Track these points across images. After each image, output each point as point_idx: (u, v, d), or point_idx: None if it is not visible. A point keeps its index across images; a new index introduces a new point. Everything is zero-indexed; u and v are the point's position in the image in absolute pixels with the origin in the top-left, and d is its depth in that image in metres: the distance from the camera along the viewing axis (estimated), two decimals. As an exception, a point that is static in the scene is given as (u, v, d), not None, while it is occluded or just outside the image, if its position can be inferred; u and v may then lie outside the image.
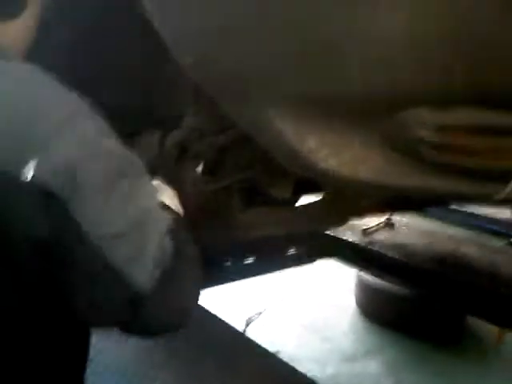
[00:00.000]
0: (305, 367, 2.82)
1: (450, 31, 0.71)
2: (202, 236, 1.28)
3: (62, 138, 0.71)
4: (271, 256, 2.49)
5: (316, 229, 2.03)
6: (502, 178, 0.86)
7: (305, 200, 1.62)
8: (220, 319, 1.75)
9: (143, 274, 0.75)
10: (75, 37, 1.30)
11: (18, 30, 0.86)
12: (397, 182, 0.91)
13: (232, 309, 3.41)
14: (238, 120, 0.96)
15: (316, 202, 1.42)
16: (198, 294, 0.90)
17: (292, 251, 2.53)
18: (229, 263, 2.49)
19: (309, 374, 2.66)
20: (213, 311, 3.12)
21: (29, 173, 0.68)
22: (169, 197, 1.00)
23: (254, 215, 1.43)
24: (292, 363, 2.83)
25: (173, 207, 0.97)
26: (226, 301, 3.46)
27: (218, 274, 2.47)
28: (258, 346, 1.63)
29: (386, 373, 2.83)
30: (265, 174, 1.49)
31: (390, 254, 2.36)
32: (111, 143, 0.77)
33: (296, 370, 1.53)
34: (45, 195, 0.69)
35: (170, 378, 1.43)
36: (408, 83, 0.81)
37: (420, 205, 1.61)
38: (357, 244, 2.48)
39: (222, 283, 2.56)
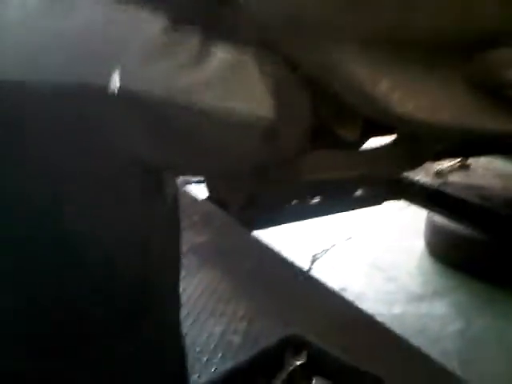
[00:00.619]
0: (371, 306, 2.83)
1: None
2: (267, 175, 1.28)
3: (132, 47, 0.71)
4: (338, 197, 2.47)
5: (386, 174, 1.97)
6: None
7: (374, 142, 1.57)
8: (282, 257, 1.76)
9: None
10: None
11: None
12: (480, 126, 0.85)
13: (299, 246, 3.45)
14: (302, 62, 0.92)
15: (387, 145, 1.36)
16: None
17: (359, 193, 2.49)
18: (295, 202, 2.49)
19: (375, 313, 2.68)
20: (279, 248, 3.19)
21: (115, 83, 0.68)
22: None
23: (320, 157, 1.40)
24: (358, 302, 2.86)
25: None
26: (292, 238, 3.51)
27: (283, 213, 2.49)
28: (321, 284, 1.64)
29: (454, 315, 2.79)
30: (332, 113, 1.44)
31: (463, 195, 2.27)
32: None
33: (361, 310, 1.53)
34: (137, 98, 0.70)
35: (237, 311, 1.48)
36: (498, 17, 0.73)
37: (499, 150, 1.51)
38: (429, 185, 2.40)
39: (288, 222, 2.58)
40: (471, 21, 0.75)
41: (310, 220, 3.12)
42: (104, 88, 0.68)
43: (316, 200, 2.51)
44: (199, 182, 2.40)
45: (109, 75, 0.68)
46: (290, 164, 1.41)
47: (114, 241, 0.79)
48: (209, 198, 2.36)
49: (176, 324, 0.96)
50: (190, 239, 1.90)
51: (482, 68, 0.79)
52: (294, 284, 1.61)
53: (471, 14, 0.75)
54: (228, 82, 0.78)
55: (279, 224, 2.62)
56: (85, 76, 0.69)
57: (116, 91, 0.68)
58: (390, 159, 1.40)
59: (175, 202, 0.92)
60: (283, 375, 1.14)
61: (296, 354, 1.18)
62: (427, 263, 3.32)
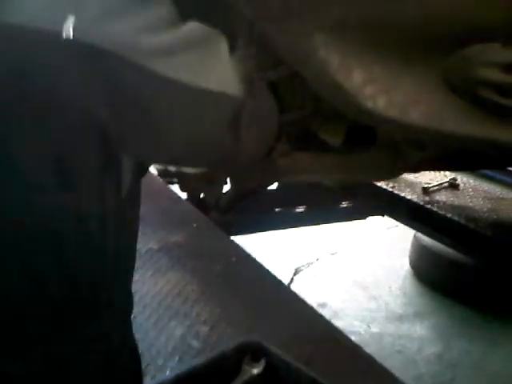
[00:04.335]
0: (349, 323, 2.77)
1: None
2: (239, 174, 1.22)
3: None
4: (322, 207, 2.41)
5: (365, 180, 1.92)
6: None
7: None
8: (258, 263, 1.71)
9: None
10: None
11: None
12: (452, 130, 0.80)
13: (282, 257, 3.39)
14: (276, 44, 0.87)
15: (367, 151, 1.32)
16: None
17: (345, 204, 2.44)
18: (279, 210, 2.44)
19: (352, 331, 2.62)
20: (262, 258, 3.13)
21: (69, 30, 0.61)
22: None
23: (298, 159, 1.35)
24: (336, 318, 2.80)
25: None
26: (277, 249, 3.45)
27: (268, 220, 2.44)
28: (293, 295, 1.58)
29: (434, 337, 2.73)
30: (316, 116, 1.40)
31: (449, 215, 2.22)
32: None
33: (331, 324, 1.47)
34: (93, 54, 0.63)
35: (201, 314, 1.42)
36: (476, 14, 0.69)
37: (481, 163, 1.46)
38: (415, 202, 2.35)
39: (271, 229, 2.52)
40: (456, 12, 0.70)
41: (295, 232, 3.07)
42: (56, 35, 0.61)
43: (300, 209, 2.46)
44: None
45: (62, 22, 0.62)
46: (266, 164, 1.37)
47: (54, 222, 0.70)
48: (189, 199, 2.31)
49: (126, 325, 0.89)
50: (163, 238, 1.85)
51: (457, 65, 0.74)
52: (265, 292, 1.54)
53: (457, 4, 0.70)
54: (197, 54, 0.71)
55: (261, 231, 2.57)
56: (38, 21, 0.62)
57: (68, 39, 0.61)
58: (370, 165, 1.35)
59: (134, 194, 0.84)
60: (238, 383, 1.08)
61: (254, 361, 1.12)
62: (411, 284, 3.26)
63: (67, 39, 0.61)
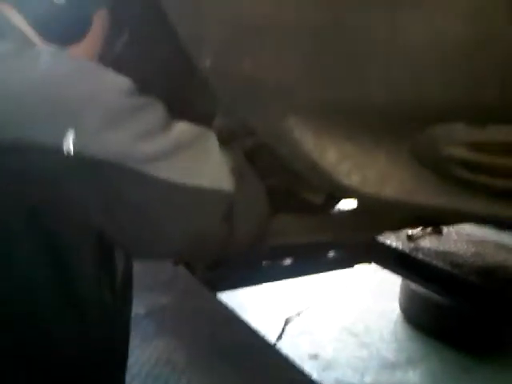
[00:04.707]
0: (342, 374, 2.75)
1: (483, 41, 0.63)
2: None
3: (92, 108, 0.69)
4: (309, 258, 2.42)
5: (349, 239, 1.95)
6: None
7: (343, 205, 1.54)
8: (246, 323, 1.70)
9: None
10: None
11: (82, 51, 0.89)
12: (426, 202, 0.82)
13: (271, 308, 3.37)
14: (255, 128, 0.90)
15: (349, 211, 1.34)
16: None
17: (331, 254, 2.45)
18: (266, 263, 2.44)
19: (346, 382, 2.59)
20: (251, 309, 3.10)
21: (69, 145, 0.66)
22: None
23: (284, 221, 1.37)
24: (329, 369, 2.77)
25: None
26: (265, 299, 3.43)
27: (255, 274, 2.44)
28: (282, 356, 1.57)
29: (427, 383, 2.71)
30: (297, 177, 1.42)
31: (434, 261, 2.24)
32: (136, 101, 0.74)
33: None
34: (92, 165, 0.67)
35: (191, 382, 1.40)
36: (437, 97, 0.72)
37: (454, 221, 1.50)
38: (400, 249, 2.38)
39: (259, 283, 2.52)
40: (419, 96, 0.73)
41: (283, 281, 3.07)
42: (57, 149, 0.65)
43: (287, 261, 2.47)
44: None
45: (62, 137, 0.65)
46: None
47: (53, 310, 0.74)
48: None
49: None
50: (151, 301, 1.85)
51: (424, 144, 0.77)
52: (253, 355, 1.54)
53: (420, 90, 0.73)
54: (189, 154, 0.75)
55: (250, 285, 2.56)
56: (38, 135, 0.66)
57: (69, 154, 0.65)
58: (353, 225, 1.37)
59: (126, 281, 0.87)
60: None
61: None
62: (402, 329, 3.25)
63: (68, 154, 0.64)
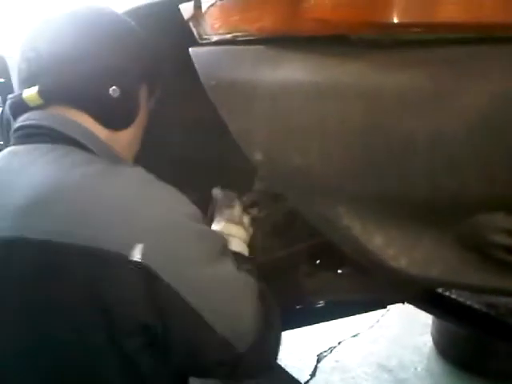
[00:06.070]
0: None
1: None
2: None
3: (162, 228, 0.82)
4: (341, 301, 2.45)
5: (385, 298, 1.99)
6: None
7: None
8: (283, 370, 1.74)
9: (243, 340, 0.92)
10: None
11: (127, 138, 1.05)
12: (470, 282, 0.88)
13: (304, 344, 3.39)
14: (305, 214, 0.97)
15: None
16: (281, 339, 1.13)
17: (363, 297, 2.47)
18: (299, 307, 2.47)
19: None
20: (284, 347, 3.11)
21: (135, 255, 0.78)
22: (237, 245, 1.18)
23: (323, 280, 1.43)
24: (365, 407, 2.77)
25: (244, 253, 1.16)
26: (297, 335, 3.45)
27: (288, 318, 2.46)
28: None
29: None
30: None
31: (469, 302, 2.26)
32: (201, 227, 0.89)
33: None
34: (148, 274, 0.78)
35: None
36: (477, 189, 0.78)
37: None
38: (434, 289, 2.39)
39: (293, 328, 2.54)
40: (457, 191, 0.80)
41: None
42: (124, 257, 0.76)
43: (319, 304, 2.50)
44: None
45: (129, 249, 0.75)
46: (290, 290, 1.44)
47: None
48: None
49: None
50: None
51: (467, 232, 0.83)
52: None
53: (461, 184, 0.80)
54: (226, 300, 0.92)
55: (286, 330, 2.58)
56: (109, 244, 0.76)
57: (135, 264, 0.75)
58: (383, 285, 1.42)
59: None
60: None
61: None
62: (436, 363, 3.24)
63: (132, 261, 0.74)
